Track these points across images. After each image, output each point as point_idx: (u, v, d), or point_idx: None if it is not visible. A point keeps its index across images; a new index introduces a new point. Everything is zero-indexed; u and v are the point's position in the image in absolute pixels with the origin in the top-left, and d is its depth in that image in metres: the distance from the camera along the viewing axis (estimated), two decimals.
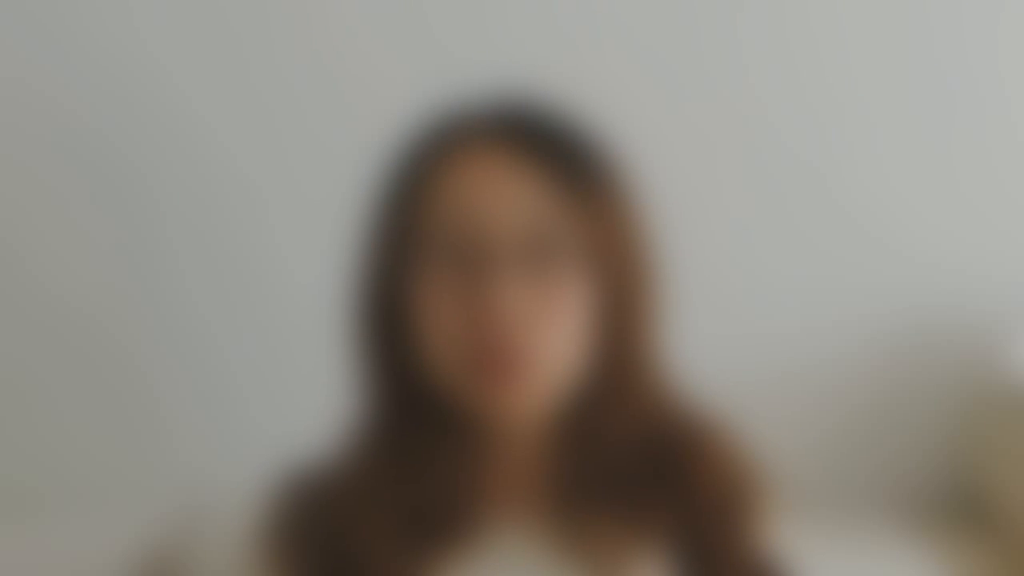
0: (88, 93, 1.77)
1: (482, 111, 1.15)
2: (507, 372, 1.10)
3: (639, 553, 1.17)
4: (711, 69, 1.82)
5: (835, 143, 1.85)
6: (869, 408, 1.87)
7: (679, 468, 1.18)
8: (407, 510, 1.15)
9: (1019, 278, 1.86)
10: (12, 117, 1.77)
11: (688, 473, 1.18)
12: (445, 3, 1.79)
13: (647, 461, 1.18)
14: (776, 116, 1.84)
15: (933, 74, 1.85)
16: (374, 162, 1.17)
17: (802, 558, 1.23)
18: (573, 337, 1.12)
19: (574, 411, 1.15)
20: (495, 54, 1.75)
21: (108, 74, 1.77)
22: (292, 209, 1.79)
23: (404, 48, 1.78)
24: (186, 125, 1.78)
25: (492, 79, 1.18)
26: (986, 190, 1.87)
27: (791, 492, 1.24)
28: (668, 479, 1.18)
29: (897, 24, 1.84)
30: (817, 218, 1.85)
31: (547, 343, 1.11)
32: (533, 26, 1.80)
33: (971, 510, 1.81)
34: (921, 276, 1.86)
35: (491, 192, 1.12)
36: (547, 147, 1.14)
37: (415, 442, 1.16)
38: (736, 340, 1.84)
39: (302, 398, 1.64)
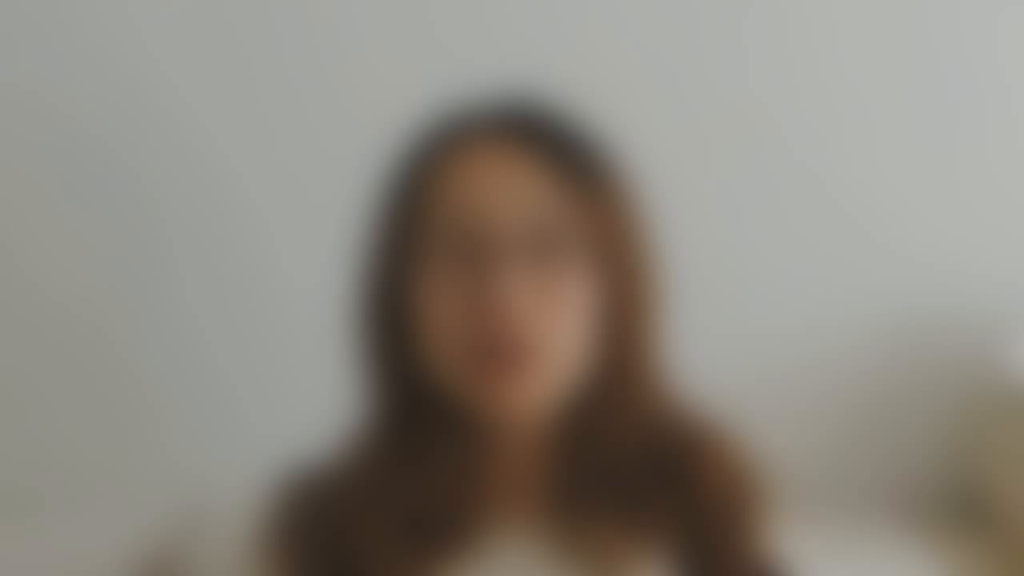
0: (88, 98, 1.77)
1: (485, 109, 1.16)
2: (511, 364, 1.10)
3: (640, 554, 1.17)
4: (713, 68, 1.82)
5: (835, 143, 1.85)
6: (869, 408, 1.87)
7: (680, 469, 1.18)
8: (408, 511, 1.15)
9: (1019, 278, 1.86)
10: (11, 123, 1.77)
11: (689, 474, 1.18)
12: (447, 3, 1.79)
13: (648, 462, 1.18)
14: (777, 116, 1.84)
15: (933, 75, 1.85)
16: (376, 163, 1.17)
17: (802, 558, 1.23)
18: (576, 332, 1.12)
19: (576, 412, 1.15)
20: (497, 53, 1.75)
21: (108, 79, 1.77)
22: (293, 212, 1.79)
23: (406, 49, 1.78)
24: (186, 129, 1.78)
25: (494, 78, 1.18)
26: (986, 190, 1.87)
27: (791, 492, 1.24)
28: (669, 480, 1.18)
29: (897, 26, 1.84)
30: (817, 218, 1.85)
31: (550, 337, 1.11)
32: (535, 26, 1.80)
33: (971, 510, 1.81)
34: (921, 276, 1.86)
35: (494, 187, 1.12)
36: (549, 143, 1.14)
37: (417, 443, 1.16)
38: (736, 340, 1.84)
39: (302, 398, 1.64)
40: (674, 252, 1.19)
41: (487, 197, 1.12)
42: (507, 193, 1.12)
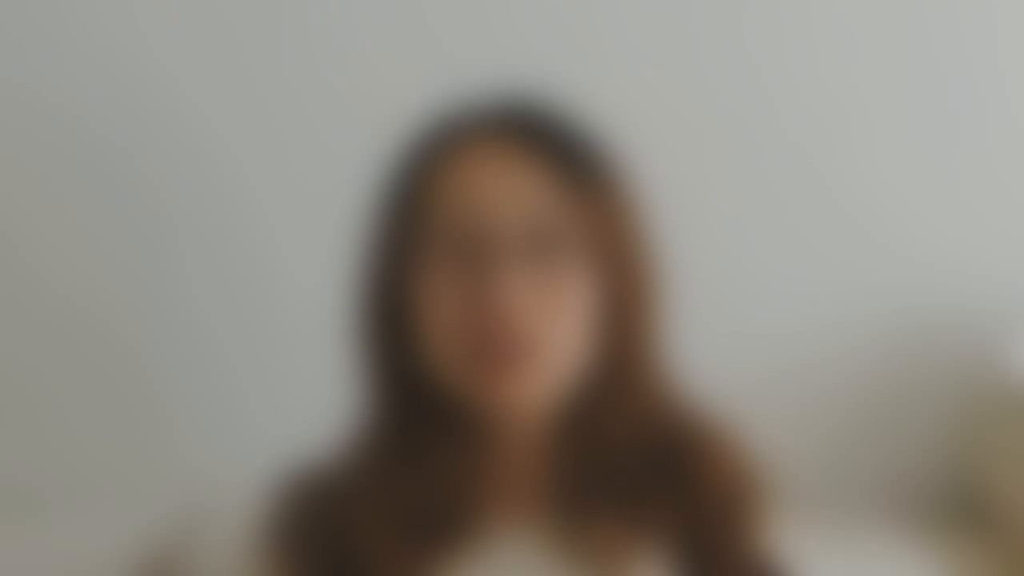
0: (93, 97, 1.77)
1: (484, 108, 1.16)
2: (510, 362, 1.10)
3: (640, 552, 1.17)
4: (712, 68, 1.82)
5: (835, 143, 1.85)
6: (869, 408, 1.87)
7: (681, 467, 1.18)
8: (409, 510, 1.15)
9: (1019, 278, 1.86)
10: (18, 121, 1.77)
11: (690, 473, 1.18)
12: (447, 3, 1.79)
13: (649, 460, 1.18)
14: (777, 115, 1.84)
15: (933, 74, 1.85)
16: (377, 162, 1.17)
17: (802, 558, 1.23)
18: (576, 330, 1.13)
19: (576, 409, 1.16)
20: (497, 53, 1.75)
21: (113, 78, 1.77)
22: (296, 210, 1.79)
23: (406, 49, 1.78)
24: (190, 127, 1.78)
25: (494, 78, 1.18)
26: (986, 190, 1.87)
27: (791, 492, 1.24)
28: (670, 478, 1.18)
29: (897, 25, 1.84)
30: (817, 218, 1.85)
31: (550, 335, 1.11)
32: (535, 26, 1.80)
33: (971, 510, 1.81)
34: (921, 276, 1.86)
35: (494, 186, 1.12)
36: (549, 143, 1.14)
37: (418, 442, 1.16)
38: (736, 340, 1.84)
39: (304, 398, 1.64)
40: (674, 252, 1.19)
41: (487, 196, 1.12)
42: (507, 192, 1.12)
